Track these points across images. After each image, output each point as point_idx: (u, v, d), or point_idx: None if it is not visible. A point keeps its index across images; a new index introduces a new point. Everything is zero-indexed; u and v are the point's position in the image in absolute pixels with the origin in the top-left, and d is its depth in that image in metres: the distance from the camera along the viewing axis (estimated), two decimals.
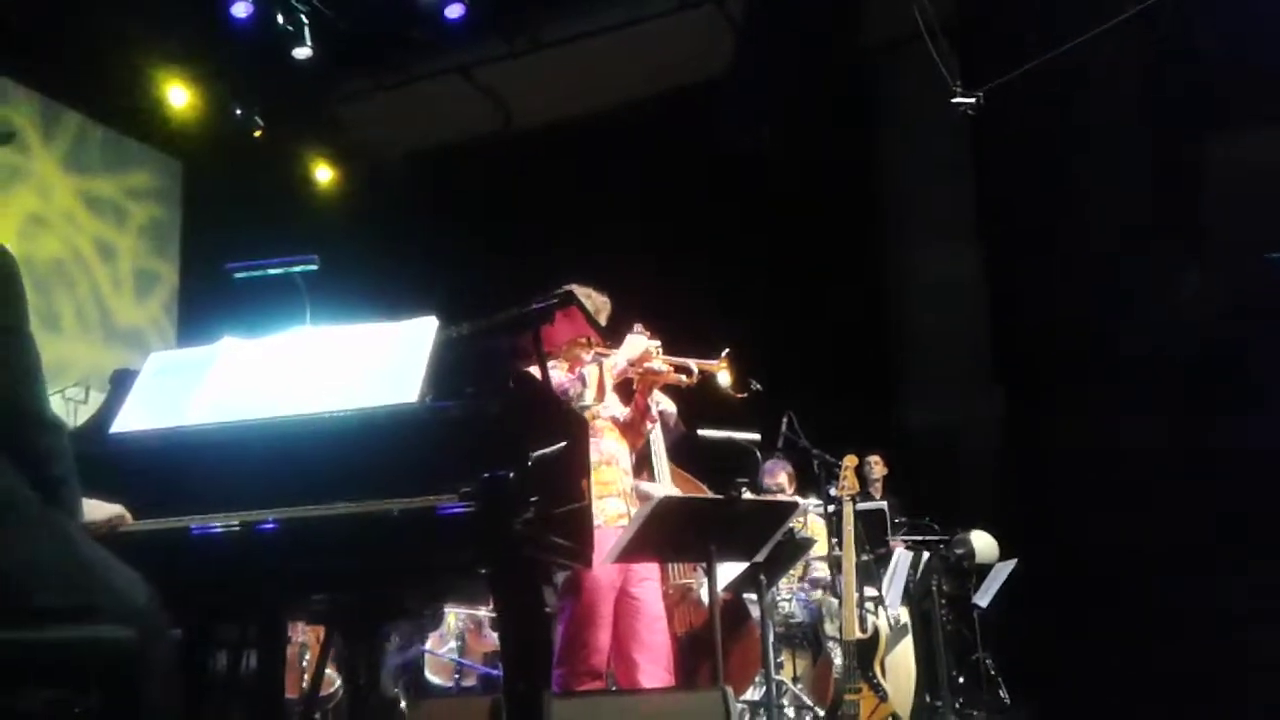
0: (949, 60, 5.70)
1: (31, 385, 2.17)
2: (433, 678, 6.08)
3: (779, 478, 6.07)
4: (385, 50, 8.34)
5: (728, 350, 4.09)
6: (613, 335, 4.19)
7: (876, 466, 7.32)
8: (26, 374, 2.17)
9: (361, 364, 2.73)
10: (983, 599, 6.87)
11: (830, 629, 5.52)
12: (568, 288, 4.10)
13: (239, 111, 8.10)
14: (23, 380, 2.16)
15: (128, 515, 2.47)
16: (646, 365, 4.00)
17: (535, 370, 3.02)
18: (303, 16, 7.51)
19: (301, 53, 7.63)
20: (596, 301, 4.22)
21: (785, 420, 5.58)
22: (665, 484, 4.70)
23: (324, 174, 8.98)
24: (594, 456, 3.77)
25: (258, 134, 8.18)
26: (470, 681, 6.35)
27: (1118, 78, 6.97)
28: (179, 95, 7.78)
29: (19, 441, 2.13)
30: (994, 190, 8.27)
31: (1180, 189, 7.01)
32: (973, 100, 5.45)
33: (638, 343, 4.02)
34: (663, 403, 4.44)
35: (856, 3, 8.13)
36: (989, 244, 8.47)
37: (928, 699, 6.22)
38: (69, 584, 2.10)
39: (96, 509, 2.39)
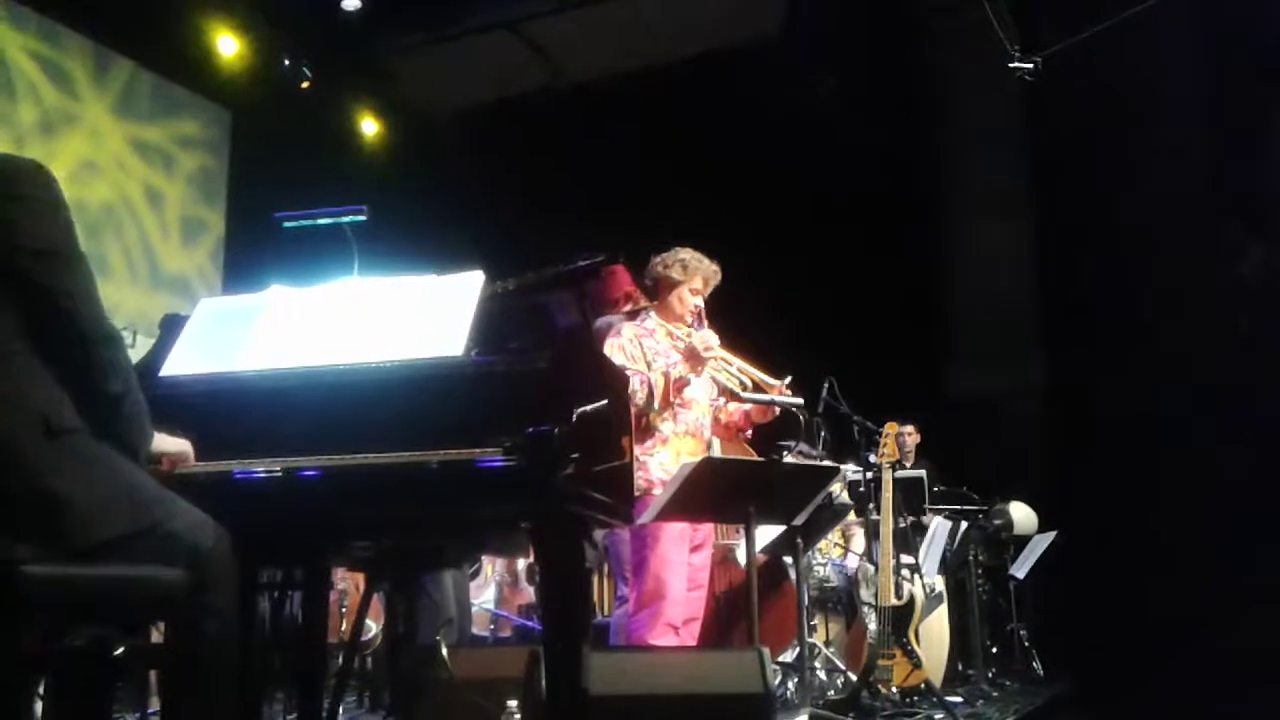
0: (1007, 24, 5.58)
1: (87, 304, 2.17)
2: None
3: None
4: (435, 3, 8.30)
5: (790, 379, 4.08)
6: (711, 304, 4.23)
7: (910, 437, 7.27)
8: (82, 293, 2.17)
9: (408, 316, 2.73)
10: (1020, 570, 6.84)
11: (866, 595, 5.52)
12: (682, 249, 4.19)
13: (288, 62, 8.10)
14: (81, 300, 2.16)
15: (191, 453, 2.47)
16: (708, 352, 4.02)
17: (580, 326, 3.01)
18: None
19: (350, 4, 7.62)
20: (706, 269, 4.23)
21: (826, 386, 5.54)
22: None
23: (370, 127, 8.97)
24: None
25: (306, 85, 8.18)
26: (505, 633, 6.42)
27: (1182, 44, 6.79)
28: (229, 44, 7.78)
29: (76, 362, 2.14)
30: (1046, 158, 8.12)
31: (1242, 159, 6.85)
32: (1030, 66, 5.33)
33: (708, 340, 4.06)
34: None
35: None
36: (1039, 212, 8.34)
37: (960, 668, 6.22)
38: (132, 519, 2.10)
39: (165, 441, 2.40)
